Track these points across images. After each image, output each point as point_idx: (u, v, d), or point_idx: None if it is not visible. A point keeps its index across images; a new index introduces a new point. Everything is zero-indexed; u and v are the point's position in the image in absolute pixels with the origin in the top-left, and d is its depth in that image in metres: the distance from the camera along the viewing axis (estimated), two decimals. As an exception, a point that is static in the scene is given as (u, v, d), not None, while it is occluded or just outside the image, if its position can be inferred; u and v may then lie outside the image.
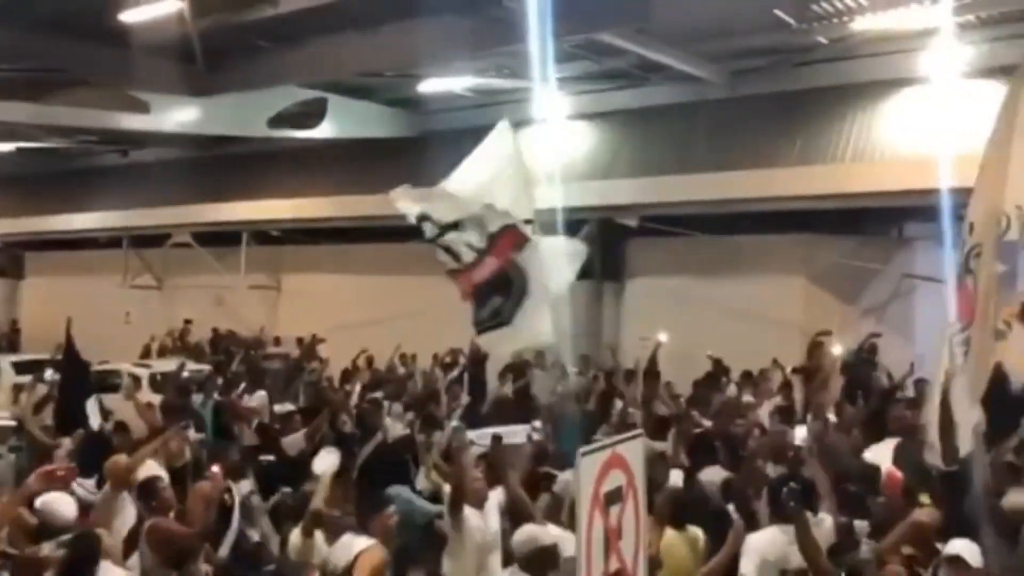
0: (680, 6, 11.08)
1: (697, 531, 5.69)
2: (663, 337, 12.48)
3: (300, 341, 16.44)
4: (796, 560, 4.88)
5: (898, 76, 12.97)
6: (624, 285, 16.59)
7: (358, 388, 11.84)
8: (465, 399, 11.49)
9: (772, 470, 7.27)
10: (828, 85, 13.63)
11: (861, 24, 11.64)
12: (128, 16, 11.54)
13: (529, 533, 4.89)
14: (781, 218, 14.24)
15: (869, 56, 13.13)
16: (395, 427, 9.87)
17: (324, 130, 16.61)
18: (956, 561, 4.54)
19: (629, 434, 3.73)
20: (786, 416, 9.17)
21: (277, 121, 16.16)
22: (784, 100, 13.85)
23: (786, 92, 13.85)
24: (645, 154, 15.13)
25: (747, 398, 11.02)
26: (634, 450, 3.61)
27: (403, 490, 7.59)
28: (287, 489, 7.31)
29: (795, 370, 12.00)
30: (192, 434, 8.98)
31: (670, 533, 5.57)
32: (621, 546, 3.43)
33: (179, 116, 15.65)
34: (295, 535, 5.87)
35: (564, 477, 6.66)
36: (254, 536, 6.64)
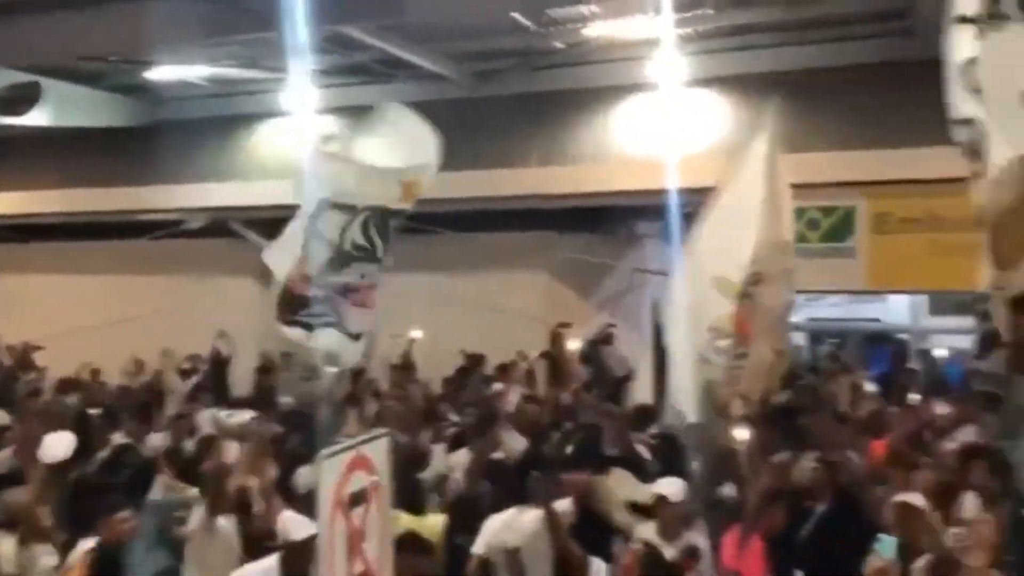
0: (428, 2, 11.11)
1: (438, 517, 5.76)
2: (417, 333, 12.53)
3: (12, 349, 14.88)
4: (517, 539, 5.02)
5: (629, 82, 13.80)
6: (369, 283, 16.43)
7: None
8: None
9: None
10: (567, 89, 14.22)
11: (593, 31, 12.23)
12: None
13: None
14: (525, 216, 14.76)
15: (603, 62, 13.86)
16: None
17: (36, 117, 15.04)
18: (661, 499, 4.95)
19: (373, 434, 3.67)
20: (532, 400, 9.55)
21: (-24, 106, 14.42)
22: (526, 102, 14.29)
23: (528, 94, 14.31)
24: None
25: (497, 386, 11.36)
26: (379, 450, 3.54)
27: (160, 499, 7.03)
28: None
29: (541, 355, 12.58)
30: None
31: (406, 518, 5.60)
32: (366, 548, 3.36)
33: None
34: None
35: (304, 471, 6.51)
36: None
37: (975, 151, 5.42)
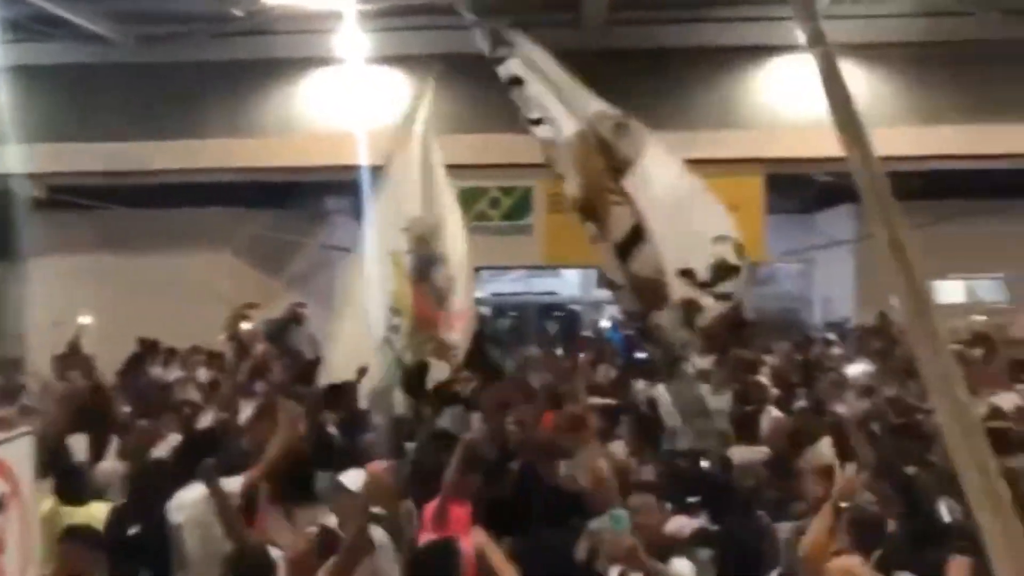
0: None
1: (101, 506, 5.36)
2: (85, 320, 11.47)
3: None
4: (180, 517, 4.81)
5: (315, 55, 13.51)
6: (26, 265, 14.73)
7: None
8: None
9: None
10: (249, 59, 13.66)
11: (273, 0, 11.83)
12: None
13: None
14: (206, 191, 14.02)
15: (287, 33, 13.45)
16: None
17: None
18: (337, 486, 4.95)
19: (11, 433, 3.27)
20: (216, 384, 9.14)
21: None
22: (204, 70, 13.53)
23: (206, 62, 13.55)
24: (48, 117, 13.58)
25: (176, 374, 10.71)
26: (20, 452, 3.16)
27: None
28: None
29: (228, 337, 11.99)
30: None
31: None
32: (4, 560, 3.00)
33: None
34: None
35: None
36: None
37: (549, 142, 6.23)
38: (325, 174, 13.43)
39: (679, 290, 6.64)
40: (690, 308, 6.49)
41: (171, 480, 5.07)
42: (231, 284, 14.35)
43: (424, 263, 6.51)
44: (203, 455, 5.05)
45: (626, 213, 6.55)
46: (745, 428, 6.85)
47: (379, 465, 5.31)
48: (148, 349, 11.96)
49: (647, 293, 6.51)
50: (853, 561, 3.93)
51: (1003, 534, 1.46)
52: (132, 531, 4.98)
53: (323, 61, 13.54)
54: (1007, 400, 7.25)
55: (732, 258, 6.84)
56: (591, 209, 6.66)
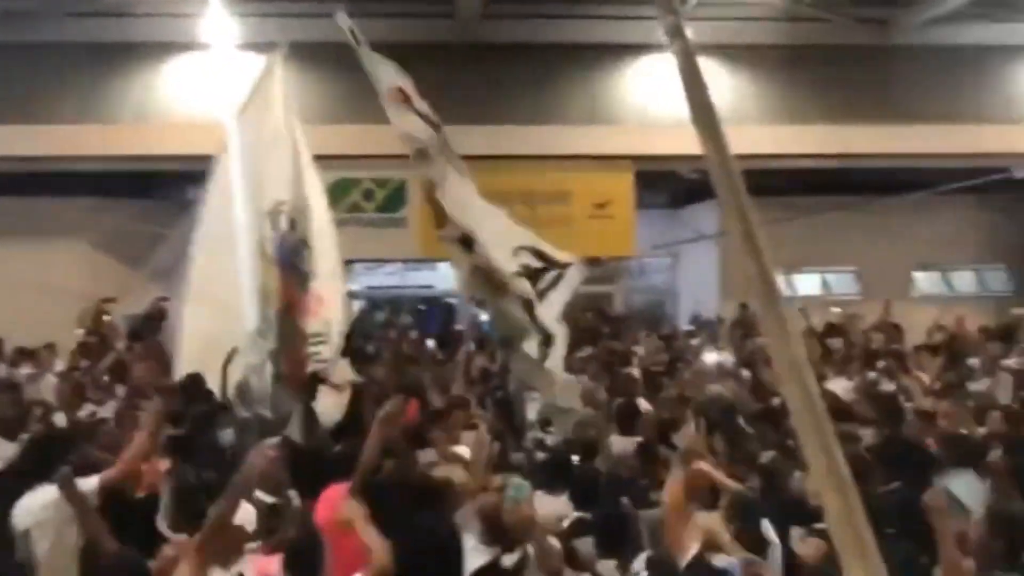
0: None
1: None
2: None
3: None
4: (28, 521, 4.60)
5: (177, 40, 13.02)
6: None
7: None
8: None
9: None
10: (109, 41, 13.05)
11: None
12: None
13: None
14: (62, 180, 13.30)
15: (149, 16, 12.92)
16: None
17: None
18: None
19: None
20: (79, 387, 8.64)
21: None
22: (58, 52, 12.84)
23: (60, 44, 12.86)
24: None
25: (26, 370, 10.11)
26: None
27: None
28: None
29: (88, 333, 11.43)
30: None
31: None
32: None
33: None
34: None
35: None
36: None
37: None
38: (190, 163, 12.94)
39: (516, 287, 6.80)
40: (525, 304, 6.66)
41: (17, 484, 4.80)
42: (88, 278, 13.66)
43: (290, 248, 6.35)
44: (51, 457, 4.82)
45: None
46: (625, 419, 7.00)
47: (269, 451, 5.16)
48: (-6, 347, 11.23)
49: (489, 283, 6.64)
50: (712, 518, 4.12)
51: (843, 511, 1.54)
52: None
53: (187, 46, 13.07)
54: (839, 386, 7.67)
55: (535, 262, 7.08)
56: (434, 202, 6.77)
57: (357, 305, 19.22)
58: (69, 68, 12.89)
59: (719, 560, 3.86)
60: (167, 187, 15.09)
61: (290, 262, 6.35)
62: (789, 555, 4.42)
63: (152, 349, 10.45)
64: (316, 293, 6.81)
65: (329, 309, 7.39)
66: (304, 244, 6.55)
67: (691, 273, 17.12)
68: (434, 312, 17.73)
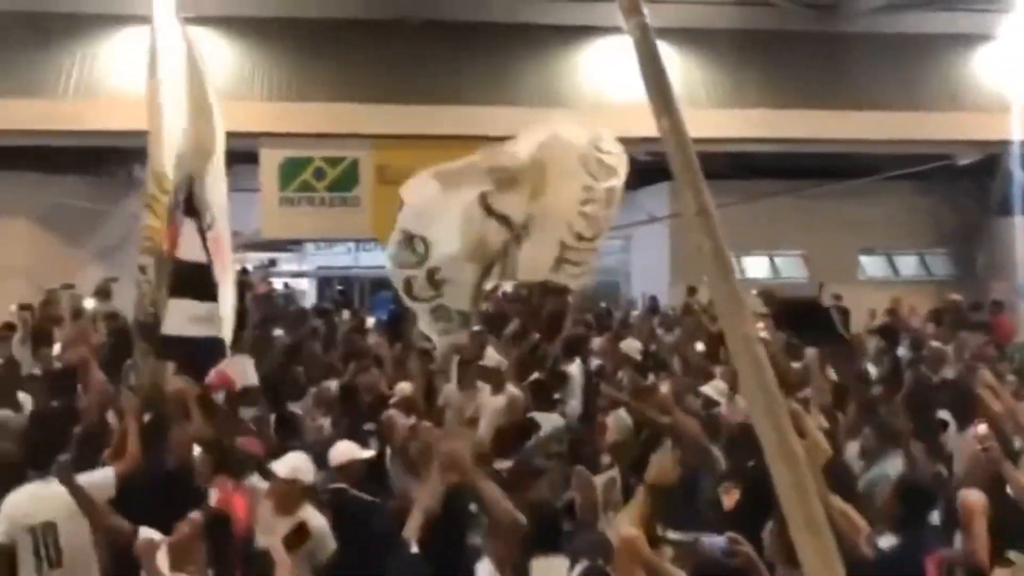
0: None
1: None
2: None
3: None
4: (43, 515, 4.58)
5: (124, 13, 12.70)
6: None
7: None
8: None
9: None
10: (47, 11, 12.69)
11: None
12: None
13: None
14: (3, 154, 12.92)
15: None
16: None
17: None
18: None
19: None
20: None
21: None
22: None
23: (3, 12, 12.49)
24: None
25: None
26: None
27: None
28: None
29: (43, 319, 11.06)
30: None
31: None
32: None
33: None
34: None
35: None
36: None
37: None
38: (134, 139, 12.65)
39: None
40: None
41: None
42: (28, 256, 13.33)
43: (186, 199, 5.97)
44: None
45: None
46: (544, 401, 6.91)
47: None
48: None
49: None
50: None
51: (794, 486, 1.56)
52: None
53: (132, 19, 12.73)
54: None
55: None
56: None
57: (307, 284, 19.09)
58: (8, 39, 12.50)
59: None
60: (110, 163, 14.76)
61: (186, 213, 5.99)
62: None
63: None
64: (217, 234, 6.29)
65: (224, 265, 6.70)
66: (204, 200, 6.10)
67: (643, 254, 17.24)
68: (385, 294, 17.58)
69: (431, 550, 3.90)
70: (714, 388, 6.68)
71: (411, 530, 3.84)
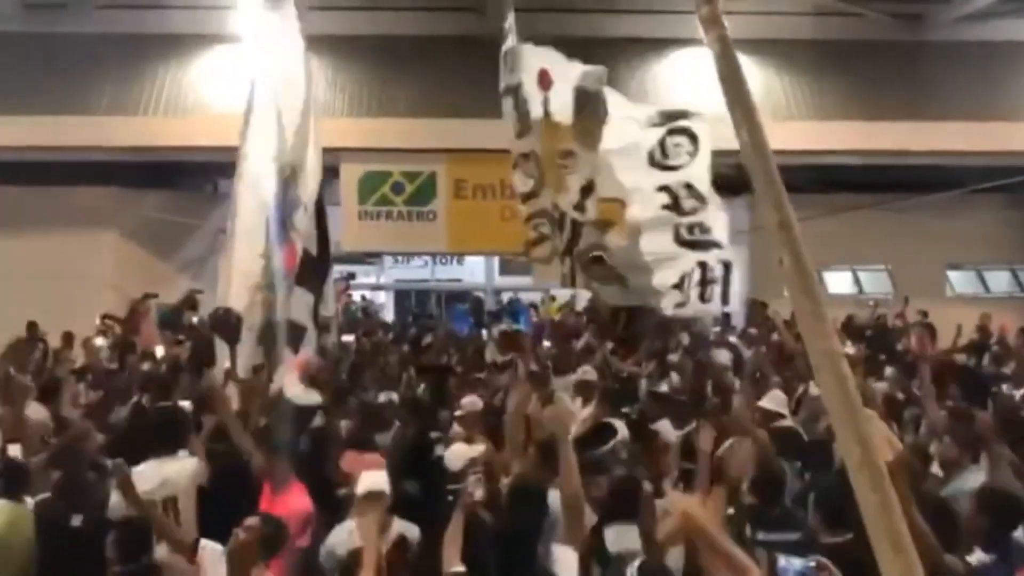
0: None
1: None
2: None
3: None
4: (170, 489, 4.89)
5: (210, 32, 13.12)
6: None
7: None
8: None
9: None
10: (135, 33, 13.20)
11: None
12: None
13: None
14: (91, 170, 13.42)
15: (183, 8, 13.04)
16: None
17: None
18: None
19: None
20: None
21: None
22: (86, 43, 13.00)
23: (91, 35, 13.01)
24: None
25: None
26: None
27: None
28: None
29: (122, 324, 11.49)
30: None
31: None
32: None
33: None
34: None
35: None
36: None
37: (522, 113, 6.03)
38: (218, 155, 13.05)
39: None
40: None
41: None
42: (116, 267, 13.78)
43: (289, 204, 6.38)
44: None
45: None
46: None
47: None
48: (35, 336, 11.17)
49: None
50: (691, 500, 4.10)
51: (879, 504, 1.51)
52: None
53: (218, 38, 13.16)
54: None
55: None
56: None
57: (386, 297, 19.37)
58: (99, 60, 13.01)
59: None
60: (195, 178, 15.21)
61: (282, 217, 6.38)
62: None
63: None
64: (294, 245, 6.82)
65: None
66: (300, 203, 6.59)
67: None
68: (462, 306, 17.69)
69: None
70: (772, 400, 6.41)
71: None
